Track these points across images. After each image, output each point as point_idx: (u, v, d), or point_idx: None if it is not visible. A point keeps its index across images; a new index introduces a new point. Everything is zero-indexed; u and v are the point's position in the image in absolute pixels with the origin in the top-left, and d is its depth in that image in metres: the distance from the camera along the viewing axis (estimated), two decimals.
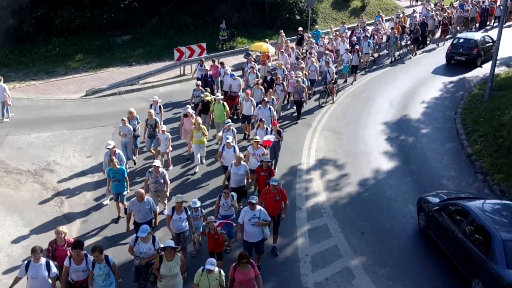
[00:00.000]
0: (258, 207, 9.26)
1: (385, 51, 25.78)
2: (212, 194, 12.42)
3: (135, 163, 14.01)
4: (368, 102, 19.34)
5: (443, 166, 14.30)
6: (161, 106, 15.02)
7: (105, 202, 12.14)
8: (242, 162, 11.08)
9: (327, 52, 20.62)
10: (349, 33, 25.89)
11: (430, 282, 9.64)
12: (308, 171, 13.91)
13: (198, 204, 9.69)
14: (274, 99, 15.62)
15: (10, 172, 13.44)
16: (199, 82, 16.62)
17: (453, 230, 9.86)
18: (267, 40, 23.33)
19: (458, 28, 30.54)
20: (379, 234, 11.12)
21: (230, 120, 13.44)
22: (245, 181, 11.13)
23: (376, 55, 25.58)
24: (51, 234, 10.65)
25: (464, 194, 11.56)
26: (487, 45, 24.34)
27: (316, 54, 21.21)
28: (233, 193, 10.20)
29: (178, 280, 8.13)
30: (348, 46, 22.47)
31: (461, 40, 24.17)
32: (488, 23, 32.64)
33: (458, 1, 36.25)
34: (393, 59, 24.70)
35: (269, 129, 13.12)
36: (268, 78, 17.79)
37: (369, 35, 24.25)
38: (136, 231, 9.30)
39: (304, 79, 17.69)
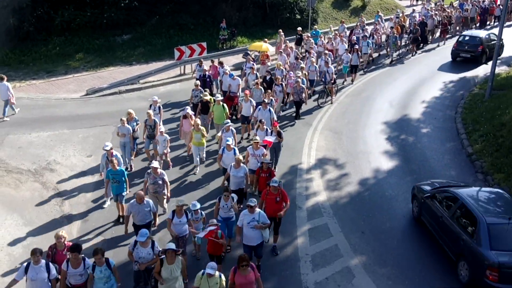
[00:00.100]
0: (257, 209, 9.23)
1: (384, 51, 25.76)
2: (212, 195, 12.41)
3: (131, 169, 13.65)
4: (368, 101, 19.34)
5: (443, 166, 14.30)
6: (161, 106, 14.98)
7: (105, 206, 12.07)
8: (242, 164, 11.06)
9: (326, 52, 20.51)
10: (348, 32, 25.85)
11: (430, 281, 9.65)
12: (308, 170, 13.92)
13: (198, 206, 9.62)
14: (273, 100, 15.58)
15: (11, 171, 13.44)
16: (198, 82, 16.59)
17: (442, 215, 10.42)
18: (266, 39, 23.32)
19: (458, 28, 30.54)
20: (379, 233, 11.14)
21: (229, 121, 13.39)
22: (245, 183, 11.11)
23: (376, 54, 25.56)
24: (51, 234, 10.67)
25: (456, 183, 12.05)
26: (492, 42, 24.40)
27: (316, 54, 21.19)
28: (233, 194, 10.16)
29: (179, 283, 8.07)
30: (346, 46, 22.44)
31: (467, 38, 24.58)
32: (488, 22, 32.63)
33: (457, 1, 36.21)
34: (392, 59, 24.69)
35: (269, 130, 13.08)
36: (268, 78, 17.74)
37: (368, 35, 24.23)
38: (135, 233, 9.26)
39: (304, 79, 17.66)
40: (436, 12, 29.59)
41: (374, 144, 15.70)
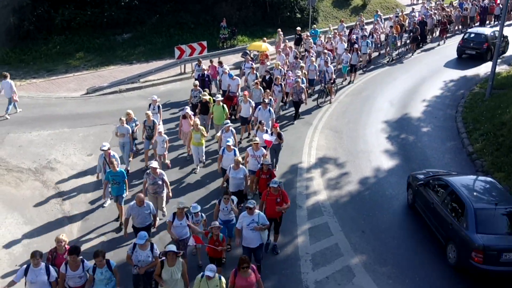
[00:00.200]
0: (257, 211, 9.18)
1: (383, 50, 25.74)
2: (212, 196, 12.39)
3: (128, 172, 13.39)
4: (368, 101, 19.33)
5: (443, 165, 14.29)
6: (160, 105, 14.84)
7: (105, 205, 12.03)
8: (241, 166, 11.01)
9: (325, 51, 20.46)
10: (347, 32, 25.81)
11: (430, 281, 9.65)
12: (308, 169, 13.92)
13: (198, 208, 9.57)
14: (272, 100, 15.52)
15: (11, 170, 13.45)
16: (197, 82, 16.53)
17: (433, 201, 10.92)
18: (265, 39, 23.28)
19: (457, 27, 30.51)
20: (380, 232, 11.14)
21: (229, 121, 13.33)
22: (244, 184, 11.07)
23: (376, 54, 25.54)
24: (51, 233, 10.72)
25: (448, 172, 12.51)
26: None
27: (315, 53, 21.15)
28: (233, 197, 10.13)
29: (179, 286, 8.02)
30: (346, 46, 22.38)
31: (472, 35, 24.92)
32: (487, 22, 32.61)
33: (457, 0, 36.18)
34: (391, 59, 24.67)
35: (269, 131, 13.04)
36: (267, 77, 17.70)
37: (367, 34, 24.20)
38: (135, 235, 9.22)
39: (304, 79, 17.61)
40: (436, 11, 29.57)
41: (374, 143, 15.70)
